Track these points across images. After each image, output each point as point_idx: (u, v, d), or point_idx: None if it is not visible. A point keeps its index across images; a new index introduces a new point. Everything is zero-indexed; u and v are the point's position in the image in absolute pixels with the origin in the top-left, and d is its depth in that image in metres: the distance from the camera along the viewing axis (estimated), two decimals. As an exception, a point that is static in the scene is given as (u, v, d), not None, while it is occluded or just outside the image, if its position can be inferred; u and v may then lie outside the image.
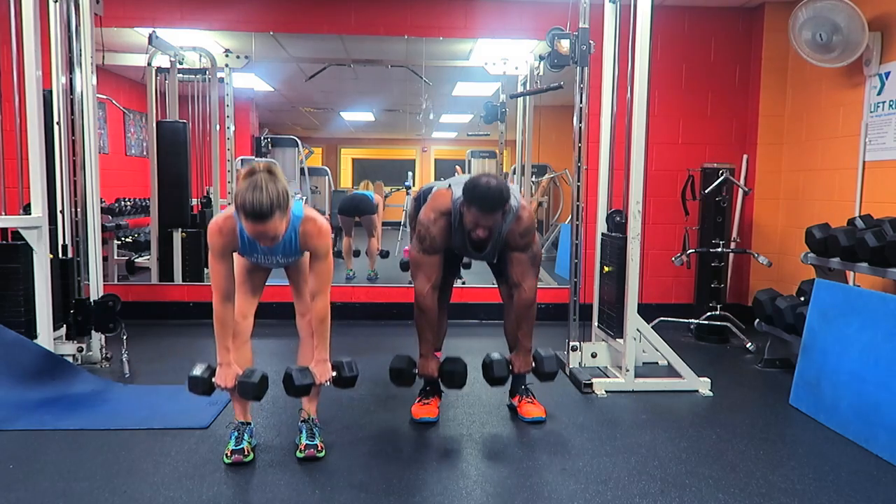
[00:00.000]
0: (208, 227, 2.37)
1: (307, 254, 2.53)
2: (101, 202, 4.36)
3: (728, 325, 4.52)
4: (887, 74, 3.93)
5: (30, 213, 3.38)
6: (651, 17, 3.27)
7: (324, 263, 2.44)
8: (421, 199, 3.14)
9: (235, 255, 2.49)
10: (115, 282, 5.51)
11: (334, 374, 2.53)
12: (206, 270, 5.41)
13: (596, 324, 3.91)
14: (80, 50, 3.58)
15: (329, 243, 2.46)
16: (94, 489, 2.27)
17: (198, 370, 2.47)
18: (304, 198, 6.94)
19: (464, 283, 5.20)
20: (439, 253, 2.82)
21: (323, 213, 2.52)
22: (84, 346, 3.65)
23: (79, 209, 3.65)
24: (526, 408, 3.00)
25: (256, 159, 6.90)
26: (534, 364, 2.95)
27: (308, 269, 2.54)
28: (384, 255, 6.59)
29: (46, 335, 3.39)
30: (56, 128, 3.57)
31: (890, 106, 3.90)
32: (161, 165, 5.30)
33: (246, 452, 2.49)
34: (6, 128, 3.60)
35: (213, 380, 2.43)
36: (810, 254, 3.73)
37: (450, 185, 2.87)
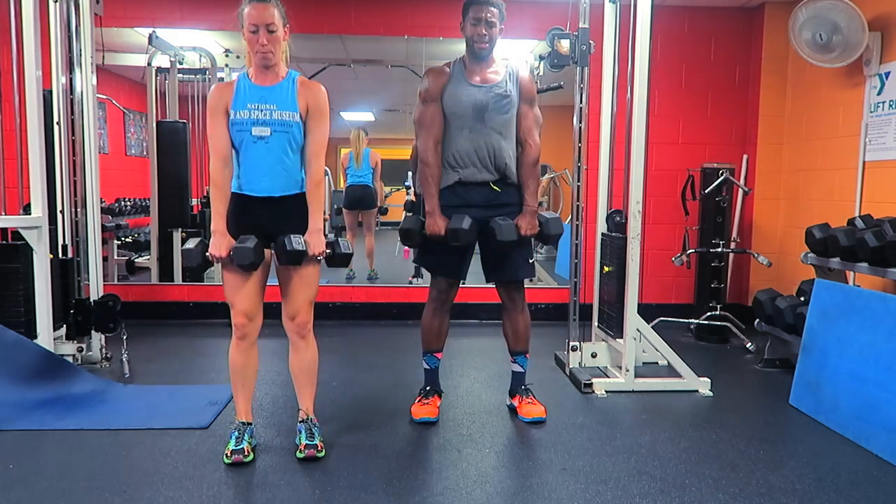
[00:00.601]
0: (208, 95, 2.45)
1: (299, 271, 2.47)
2: (101, 202, 4.37)
3: (728, 325, 4.52)
4: (887, 74, 3.94)
5: (30, 213, 3.38)
6: (651, 17, 3.27)
7: (321, 123, 2.44)
8: (421, 199, 3.13)
9: (232, 271, 2.43)
10: (115, 282, 5.51)
11: (329, 251, 2.49)
12: (210, 270, 5.42)
13: (596, 324, 3.91)
14: (80, 50, 3.58)
15: (327, 104, 2.45)
16: (94, 489, 2.27)
17: (191, 243, 2.45)
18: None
19: (463, 282, 5.20)
20: (437, 102, 2.85)
21: (323, 213, 2.52)
22: (84, 346, 3.65)
23: (79, 209, 3.64)
24: (526, 408, 3.00)
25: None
26: (539, 227, 2.91)
27: (297, 276, 2.49)
28: (384, 210, 6.64)
29: (46, 335, 3.39)
30: (56, 128, 3.57)
31: (890, 106, 3.90)
32: (161, 165, 5.30)
33: (246, 452, 2.49)
34: (6, 128, 3.60)
35: (208, 252, 2.40)
36: (810, 254, 3.73)
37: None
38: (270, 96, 2.41)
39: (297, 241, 2.38)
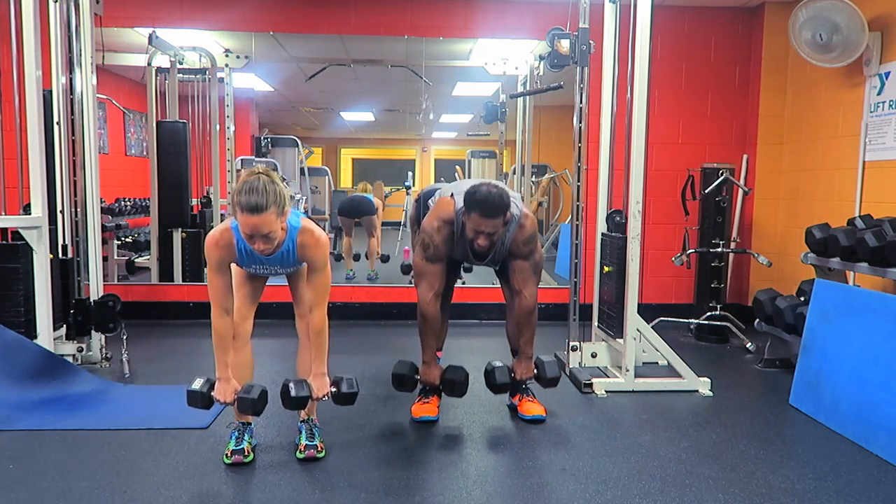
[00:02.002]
0: (205, 241, 2.37)
1: (303, 270, 2.54)
2: (101, 202, 4.36)
3: (728, 325, 4.52)
4: (887, 74, 3.93)
5: (30, 213, 3.38)
6: (651, 17, 3.27)
7: (321, 275, 2.43)
8: (422, 202, 3.14)
9: (224, 281, 2.46)
10: (115, 282, 5.51)
11: (333, 390, 2.52)
12: (205, 270, 5.41)
13: (596, 324, 3.91)
14: (80, 50, 3.58)
15: (327, 256, 2.46)
16: (94, 489, 2.27)
17: (197, 384, 2.46)
18: (304, 197, 6.94)
19: (464, 283, 5.20)
20: (442, 261, 2.84)
21: (323, 213, 2.53)
22: (84, 346, 3.65)
23: (79, 209, 3.64)
24: (526, 406, 3.00)
25: (256, 160, 6.91)
26: (535, 370, 2.95)
27: (307, 280, 2.52)
28: (384, 259, 6.59)
29: (46, 335, 3.39)
30: (56, 128, 3.57)
31: (890, 106, 3.90)
32: (161, 165, 5.30)
33: (246, 452, 2.49)
34: (6, 128, 3.60)
35: (213, 394, 2.43)
36: (810, 254, 3.73)
37: (452, 195, 2.88)
38: (272, 261, 2.43)
39: (300, 388, 2.44)
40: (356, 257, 6.45)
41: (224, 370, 2.42)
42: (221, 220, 2.48)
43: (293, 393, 2.41)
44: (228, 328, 2.42)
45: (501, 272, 3.04)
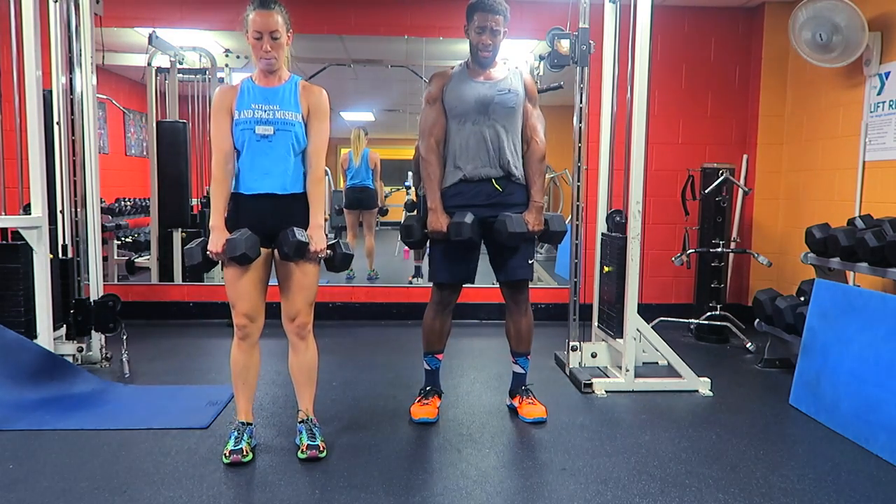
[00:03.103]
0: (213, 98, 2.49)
1: (299, 267, 2.48)
2: (101, 202, 4.37)
3: (728, 325, 4.52)
4: (887, 74, 3.94)
5: (30, 213, 3.38)
6: (651, 17, 3.27)
7: (322, 124, 2.48)
8: (421, 201, 3.14)
9: (232, 269, 2.44)
10: (115, 282, 5.51)
11: (329, 252, 2.51)
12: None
13: (596, 324, 3.91)
14: (80, 50, 3.58)
15: (328, 106, 2.50)
16: (94, 489, 2.27)
17: (193, 243, 2.49)
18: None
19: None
20: (440, 103, 2.88)
21: (323, 210, 2.54)
22: (84, 346, 3.65)
23: (79, 209, 3.65)
24: (526, 408, 3.00)
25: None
26: (545, 224, 2.93)
27: (297, 275, 2.49)
28: (384, 211, 6.64)
29: (46, 335, 3.39)
30: (56, 128, 3.57)
31: (890, 106, 3.90)
32: (161, 165, 5.30)
33: (245, 452, 2.49)
34: (6, 128, 3.60)
35: (208, 248, 2.42)
36: (810, 254, 3.73)
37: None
38: (273, 97, 2.45)
39: (300, 233, 2.40)
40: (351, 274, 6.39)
41: (218, 219, 2.42)
42: (224, 222, 2.48)
43: (292, 237, 2.37)
44: (228, 173, 2.45)
45: (498, 268, 3.01)
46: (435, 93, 2.89)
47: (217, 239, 2.41)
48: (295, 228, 2.41)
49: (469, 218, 2.80)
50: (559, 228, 2.97)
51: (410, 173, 7.87)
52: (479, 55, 2.84)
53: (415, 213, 3.07)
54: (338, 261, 2.56)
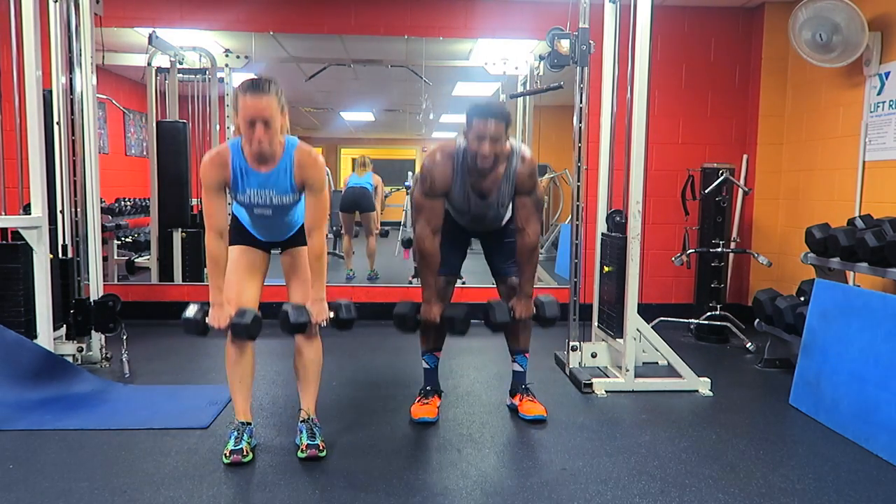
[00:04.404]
0: (202, 162, 2.42)
1: (302, 256, 2.55)
2: (101, 202, 4.37)
3: (728, 325, 4.52)
4: (887, 74, 3.94)
5: (30, 213, 3.38)
6: (651, 17, 3.27)
7: (319, 197, 2.45)
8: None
9: (231, 252, 2.50)
10: (115, 282, 5.51)
11: (332, 315, 2.52)
12: (205, 271, 5.41)
13: (596, 324, 3.91)
14: (80, 50, 3.58)
15: (324, 177, 2.48)
16: (94, 489, 2.27)
17: (191, 311, 2.47)
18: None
19: (464, 282, 5.20)
20: (440, 198, 2.81)
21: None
22: (84, 346, 3.65)
23: (79, 209, 3.64)
24: (527, 406, 3.00)
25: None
26: (535, 309, 2.91)
27: (302, 269, 2.56)
28: (384, 234, 6.65)
29: (46, 335, 3.39)
30: (56, 128, 3.57)
31: (890, 106, 3.90)
32: (161, 165, 5.30)
33: (245, 452, 2.49)
34: (6, 128, 3.60)
35: (207, 320, 2.43)
36: (810, 254, 3.73)
37: (455, 137, 2.90)
38: (268, 182, 2.43)
39: (299, 313, 2.43)
40: (351, 273, 6.45)
41: (217, 295, 2.42)
42: (223, 298, 2.52)
43: (293, 318, 2.40)
44: (222, 251, 2.44)
45: (496, 269, 3.02)
46: (440, 189, 2.79)
47: (218, 315, 2.42)
48: (293, 309, 2.44)
49: (461, 312, 2.83)
50: (550, 315, 2.91)
51: (410, 173, 7.89)
52: (479, 165, 2.70)
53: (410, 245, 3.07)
54: (340, 324, 2.59)
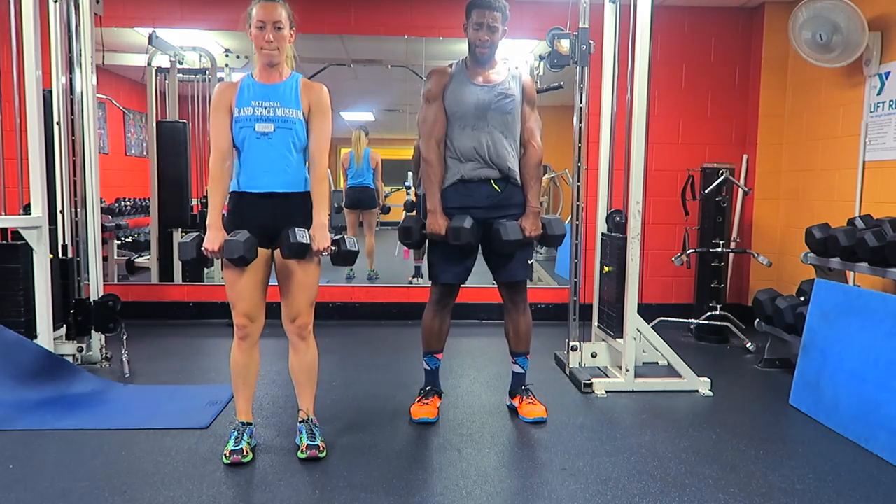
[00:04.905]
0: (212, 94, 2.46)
1: (297, 270, 2.47)
2: (101, 202, 4.37)
3: (728, 325, 4.52)
4: (887, 74, 3.94)
5: (30, 213, 3.38)
6: (651, 17, 3.27)
7: (324, 119, 2.47)
8: (421, 200, 3.13)
9: (232, 269, 2.43)
10: (115, 282, 5.51)
11: (334, 248, 2.49)
12: (205, 270, 5.42)
13: (596, 324, 3.91)
14: (80, 50, 3.58)
15: (328, 102, 2.49)
16: (94, 489, 2.27)
17: (187, 238, 2.46)
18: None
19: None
20: (439, 101, 2.87)
21: (327, 208, 2.53)
22: (84, 346, 3.65)
23: (79, 209, 3.65)
24: (526, 408, 3.00)
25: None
26: (543, 228, 2.92)
27: (298, 275, 2.48)
28: (385, 210, 6.64)
29: (46, 335, 3.39)
30: (56, 128, 3.57)
31: (890, 106, 3.90)
32: (161, 165, 5.30)
33: (245, 453, 2.49)
34: (6, 128, 3.60)
35: (202, 246, 2.40)
36: (810, 254, 3.73)
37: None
38: (274, 94, 2.43)
39: (301, 234, 2.38)
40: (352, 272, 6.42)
41: (214, 217, 2.41)
42: (221, 220, 2.47)
43: (293, 239, 2.35)
44: (225, 173, 2.43)
45: (496, 268, 3.01)
46: (435, 91, 2.88)
47: (214, 237, 2.39)
48: (296, 229, 2.38)
49: (468, 222, 2.79)
50: (558, 232, 2.95)
51: (410, 173, 7.88)
52: (477, 52, 2.84)
53: (414, 213, 3.05)
54: (342, 256, 2.53)
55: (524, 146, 2.93)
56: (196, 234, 2.49)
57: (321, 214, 2.46)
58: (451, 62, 2.96)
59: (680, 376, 3.44)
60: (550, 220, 2.95)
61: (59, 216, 3.62)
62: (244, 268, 2.43)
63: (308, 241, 2.39)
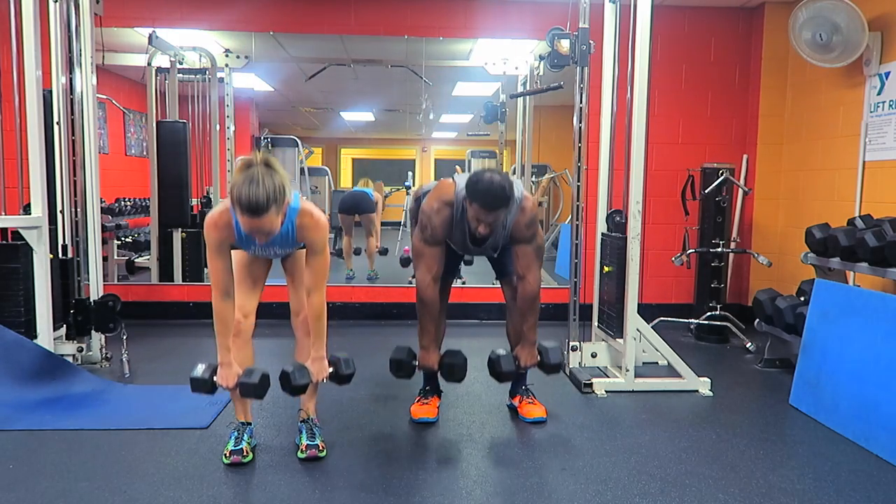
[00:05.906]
0: (205, 222, 2.35)
1: (299, 255, 2.54)
2: (101, 202, 4.37)
3: (728, 325, 4.52)
4: (887, 74, 3.93)
5: (30, 213, 3.38)
6: (651, 17, 3.27)
7: (320, 258, 2.42)
8: (421, 199, 3.13)
9: (234, 255, 2.49)
10: (115, 282, 5.51)
11: (331, 370, 2.52)
12: (205, 270, 5.41)
13: (596, 324, 3.91)
14: (80, 50, 3.58)
15: (326, 237, 2.45)
16: (94, 489, 2.27)
17: (199, 370, 2.46)
18: (304, 198, 6.95)
19: (464, 283, 5.20)
20: (440, 245, 2.79)
21: (323, 213, 2.52)
22: (84, 346, 3.65)
23: (79, 209, 3.65)
24: (527, 408, 3.00)
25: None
26: (539, 357, 2.90)
27: (300, 266, 2.54)
28: (383, 252, 6.61)
29: (46, 335, 3.39)
30: (56, 128, 3.57)
31: (890, 106, 3.90)
32: (161, 165, 5.30)
33: (245, 453, 2.49)
34: (6, 128, 3.60)
35: (215, 379, 2.42)
36: (810, 254, 3.73)
37: (453, 177, 2.84)
38: (272, 243, 2.40)
39: (301, 375, 2.41)
40: (356, 251, 6.49)
41: (226, 355, 2.40)
42: (231, 357, 2.48)
43: (293, 381, 2.39)
44: (230, 311, 2.41)
45: (499, 268, 3.02)
46: (440, 237, 2.77)
47: (226, 374, 2.40)
48: (295, 372, 2.40)
49: (460, 359, 2.83)
50: (554, 361, 2.88)
51: (410, 173, 7.89)
52: (476, 235, 2.74)
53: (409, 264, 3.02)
54: (340, 380, 2.56)
55: (520, 279, 2.82)
56: (206, 365, 2.46)
57: (319, 349, 2.48)
58: (453, 193, 2.76)
59: (680, 376, 3.44)
60: (548, 349, 2.89)
61: (59, 216, 3.62)
62: (243, 263, 2.51)
63: (307, 381, 2.44)
